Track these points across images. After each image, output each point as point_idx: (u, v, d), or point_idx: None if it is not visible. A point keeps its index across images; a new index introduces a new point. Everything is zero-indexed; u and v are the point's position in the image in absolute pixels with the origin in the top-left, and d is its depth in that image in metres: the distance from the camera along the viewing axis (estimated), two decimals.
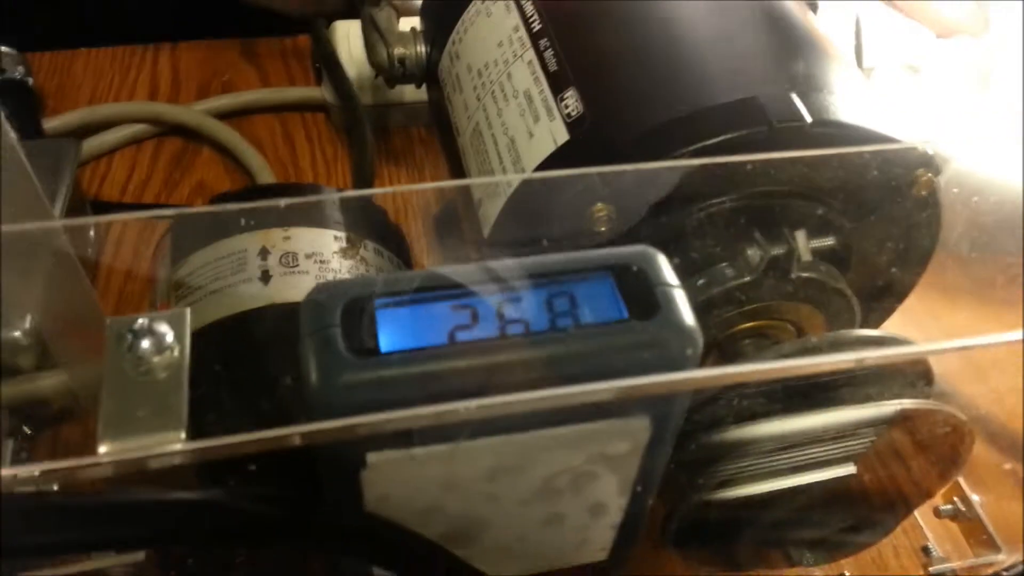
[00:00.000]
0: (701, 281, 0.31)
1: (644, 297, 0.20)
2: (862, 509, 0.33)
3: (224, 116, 0.55)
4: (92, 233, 0.48)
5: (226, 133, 0.53)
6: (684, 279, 0.31)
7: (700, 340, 0.20)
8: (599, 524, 0.24)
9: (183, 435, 0.18)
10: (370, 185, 0.47)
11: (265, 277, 0.31)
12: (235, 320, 0.30)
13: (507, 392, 0.19)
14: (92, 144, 0.53)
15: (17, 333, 0.34)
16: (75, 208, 0.46)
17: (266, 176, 0.50)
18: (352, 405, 0.19)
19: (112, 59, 0.60)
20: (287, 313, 0.30)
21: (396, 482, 0.20)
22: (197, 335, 0.30)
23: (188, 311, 0.19)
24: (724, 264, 0.31)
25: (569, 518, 0.23)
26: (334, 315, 0.19)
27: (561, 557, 0.25)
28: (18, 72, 0.53)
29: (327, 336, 0.19)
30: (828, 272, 0.31)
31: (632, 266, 0.21)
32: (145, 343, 0.18)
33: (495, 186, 0.32)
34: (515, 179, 0.30)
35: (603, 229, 0.30)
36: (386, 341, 0.19)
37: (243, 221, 0.32)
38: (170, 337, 0.19)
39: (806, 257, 0.30)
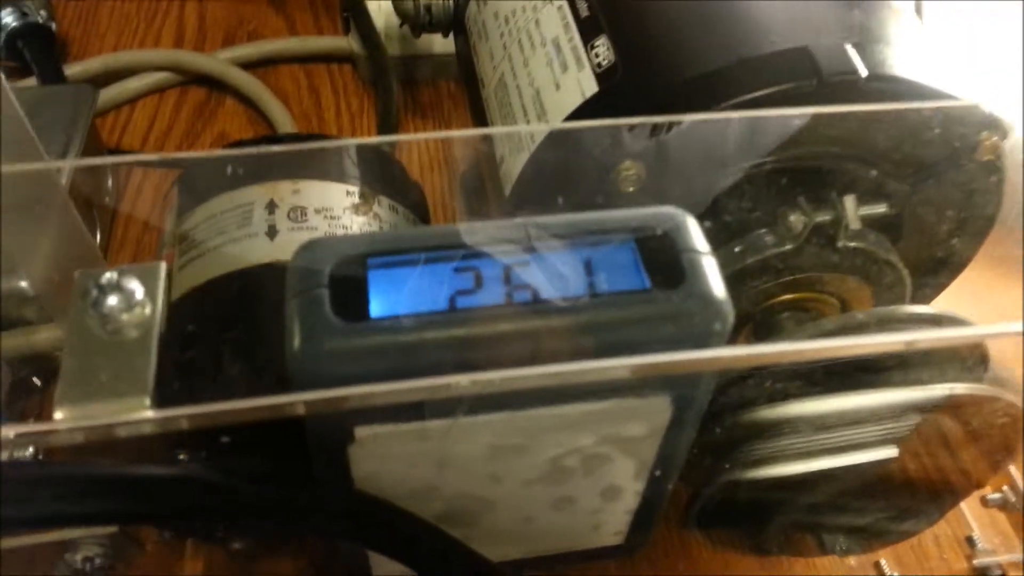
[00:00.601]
0: (737, 248, 0.28)
1: (669, 265, 0.18)
2: (904, 497, 0.30)
3: (249, 66, 0.53)
4: (110, 182, 0.47)
5: (250, 83, 0.51)
6: (719, 246, 0.29)
7: (730, 314, 0.18)
8: (613, 508, 0.22)
9: (148, 402, 0.16)
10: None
11: (271, 232, 0.29)
12: (237, 277, 0.28)
13: (510, 366, 0.17)
14: (113, 92, 0.51)
15: (23, 283, 0.33)
16: (91, 155, 0.45)
17: (288, 128, 0.49)
18: (337, 374, 0.17)
19: (138, 6, 0.58)
20: None
21: (386, 458, 0.18)
22: (197, 292, 0.29)
23: (163, 265, 0.18)
24: (764, 230, 0.28)
25: (580, 501, 0.21)
26: (322, 274, 0.18)
27: (573, 540, 0.24)
28: (41, 16, 0.52)
29: (313, 298, 0.17)
30: (878, 242, 0.29)
31: (657, 229, 0.19)
32: (112, 299, 0.17)
33: (518, 142, 0.30)
34: (537, 130, 0.28)
35: (631, 189, 0.27)
36: (378, 305, 0.17)
37: (242, 171, 0.30)
38: (140, 293, 0.17)
39: (855, 225, 0.27)
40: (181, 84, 0.53)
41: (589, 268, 0.18)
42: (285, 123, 0.49)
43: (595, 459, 0.20)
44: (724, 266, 0.28)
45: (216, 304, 0.28)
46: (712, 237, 0.29)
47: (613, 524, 0.23)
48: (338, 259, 0.18)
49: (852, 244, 0.28)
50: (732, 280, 0.29)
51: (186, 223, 0.31)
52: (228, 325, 0.27)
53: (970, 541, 0.35)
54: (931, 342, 0.23)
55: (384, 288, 0.18)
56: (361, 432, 0.18)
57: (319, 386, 0.17)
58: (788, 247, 0.28)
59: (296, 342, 0.17)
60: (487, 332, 0.17)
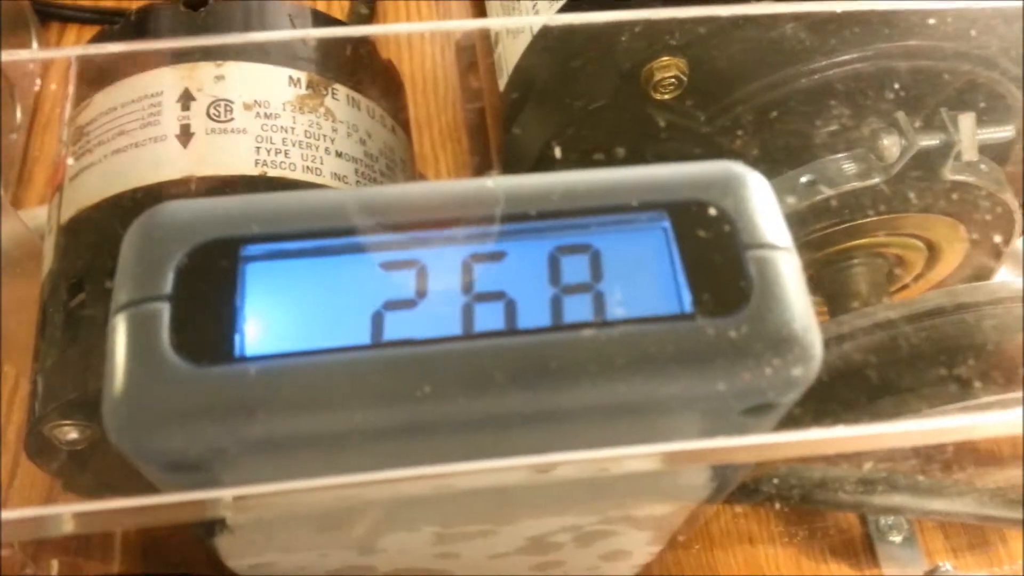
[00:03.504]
0: (805, 178, 0.21)
1: (724, 269, 0.11)
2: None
3: None
4: (35, 42, 0.39)
5: None
6: (780, 171, 0.22)
7: (818, 352, 0.11)
8: (617, 566, 0.16)
9: None
10: None
11: (184, 135, 0.22)
12: (138, 197, 0.21)
13: (468, 441, 0.11)
14: None
15: None
16: (8, 13, 0.37)
17: None
18: (179, 452, 0.10)
19: None
20: (212, 192, 0.22)
21: (277, 549, 0.12)
22: (89, 214, 0.22)
23: None
24: (842, 155, 0.21)
25: (571, 563, 0.15)
26: (163, 275, 0.11)
27: None
28: None
29: (146, 317, 0.11)
30: (992, 175, 0.21)
31: (708, 204, 0.12)
32: None
33: (516, 15, 0.22)
34: (531, 23, 0.20)
35: (667, 96, 0.20)
36: (254, 335, 0.11)
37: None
38: None
39: (970, 155, 0.20)
40: None
41: (596, 270, 0.12)
42: None
43: (595, 535, 0.14)
44: (787, 202, 0.22)
45: (111, 234, 0.21)
46: (773, 162, 0.22)
47: (617, 573, 0.17)
48: (193, 246, 0.11)
49: (960, 177, 0.21)
50: (794, 221, 0.22)
51: (83, 115, 0.24)
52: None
53: None
54: None
55: (266, 301, 0.11)
56: (235, 519, 0.12)
57: (153, 462, 0.11)
58: (876, 180, 0.21)
59: (115, 391, 0.10)
60: (433, 389, 0.10)
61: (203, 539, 0.12)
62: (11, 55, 0.27)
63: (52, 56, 0.31)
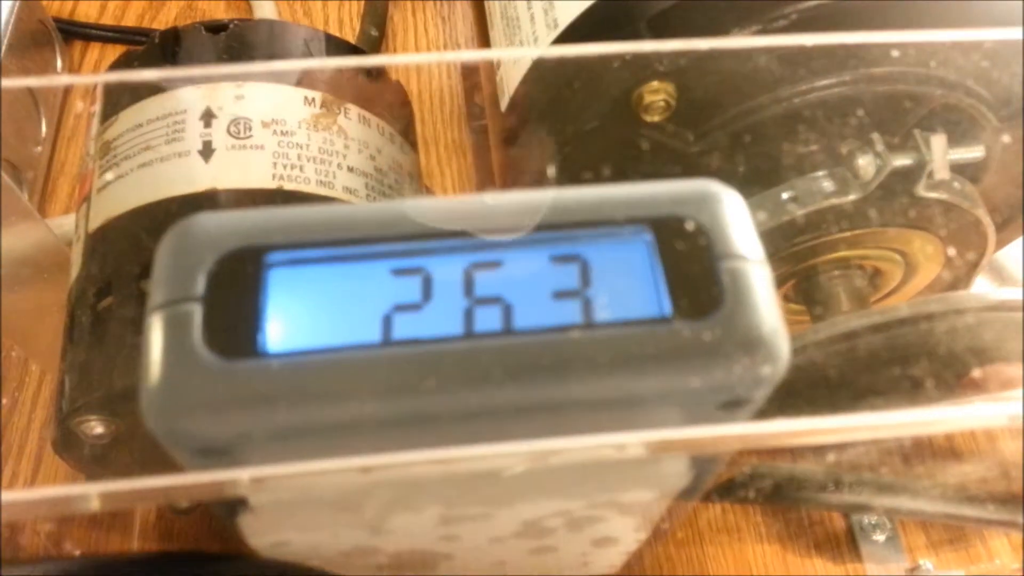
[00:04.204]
0: (786, 195, 0.23)
1: (700, 277, 0.13)
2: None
3: None
4: (59, 60, 0.41)
5: None
6: (763, 188, 0.23)
7: (784, 352, 0.13)
8: (607, 552, 0.18)
9: None
10: (383, 21, 0.38)
11: (206, 151, 0.23)
12: (163, 208, 0.23)
13: (468, 428, 0.12)
14: None
15: None
16: (34, 33, 0.38)
17: (267, 8, 0.42)
18: (209, 436, 0.12)
19: None
20: (232, 204, 0.23)
21: (295, 528, 0.14)
22: (116, 224, 0.24)
23: None
24: (821, 174, 0.22)
25: (564, 549, 0.17)
26: (195, 280, 0.12)
27: (557, 572, 0.19)
28: None
29: (180, 317, 0.12)
30: (965, 193, 0.23)
31: (686, 219, 0.13)
32: None
33: (517, 46, 0.24)
34: (526, 55, 0.22)
35: (657, 118, 0.21)
36: (278, 332, 0.12)
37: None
38: None
39: (941, 174, 0.21)
40: None
41: (585, 277, 0.13)
42: (263, 3, 0.42)
43: (584, 520, 0.15)
44: (769, 216, 0.23)
45: (138, 242, 0.23)
46: (759, 180, 0.23)
47: (606, 560, 0.19)
48: (222, 253, 0.12)
49: (933, 195, 0.22)
50: (777, 234, 0.23)
51: (110, 131, 0.25)
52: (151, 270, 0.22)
53: None
54: None
55: (287, 303, 0.12)
56: (257, 499, 0.13)
57: (185, 447, 0.12)
58: (852, 197, 0.22)
59: (152, 382, 0.12)
60: (437, 383, 0.12)
61: (226, 519, 0.13)
62: (42, 80, 0.28)
63: (81, 82, 0.32)
